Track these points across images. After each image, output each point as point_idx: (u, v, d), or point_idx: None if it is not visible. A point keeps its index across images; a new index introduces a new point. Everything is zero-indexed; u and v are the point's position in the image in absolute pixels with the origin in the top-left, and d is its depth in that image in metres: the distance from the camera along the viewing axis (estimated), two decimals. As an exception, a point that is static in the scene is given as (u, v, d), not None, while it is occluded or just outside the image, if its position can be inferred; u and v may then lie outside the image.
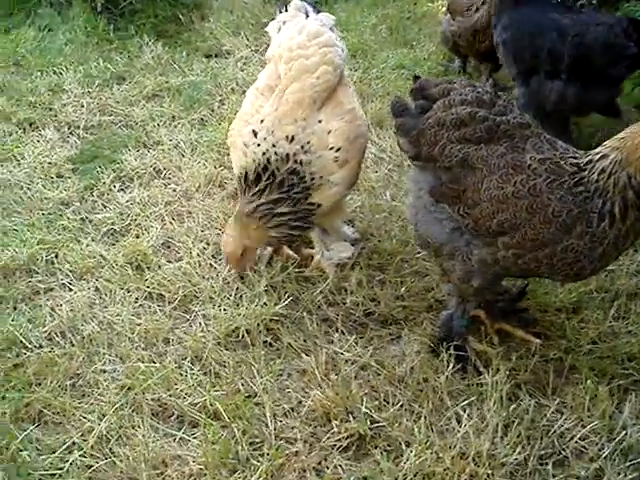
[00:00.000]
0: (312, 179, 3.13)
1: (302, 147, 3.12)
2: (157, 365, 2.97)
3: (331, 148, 3.16)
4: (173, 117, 4.83)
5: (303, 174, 3.12)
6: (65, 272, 3.49)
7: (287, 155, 3.10)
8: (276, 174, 3.09)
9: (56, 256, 3.59)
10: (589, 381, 2.83)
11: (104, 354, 3.04)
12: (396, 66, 5.44)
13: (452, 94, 2.81)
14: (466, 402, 2.80)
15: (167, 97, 5.07)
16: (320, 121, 3.17)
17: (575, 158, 2.67)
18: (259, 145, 3.14)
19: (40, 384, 2.91)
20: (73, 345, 3.09)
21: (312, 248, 3.58)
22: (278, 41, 3.34)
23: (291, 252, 3.56)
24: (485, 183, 2.71)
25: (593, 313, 3.22)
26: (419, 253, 3.50)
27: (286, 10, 3.52)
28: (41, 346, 3.09)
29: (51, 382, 2.90)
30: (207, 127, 4.69)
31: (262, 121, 3.18)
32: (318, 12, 3.56)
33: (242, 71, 5.41)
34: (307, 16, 3.44)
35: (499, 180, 2.69)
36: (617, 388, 2.88)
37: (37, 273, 3.50)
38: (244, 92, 4.92)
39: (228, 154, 3.52)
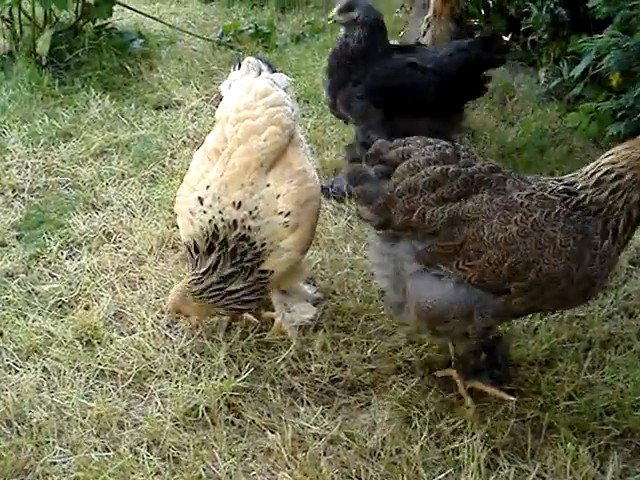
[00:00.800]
0: (263, 244, 2.98)
1: (250, 213, 2.97)
2: (111, 454, 2.76)
3: (280, 213, 3.00)
4: (122, 175, 4.62)
5: (253, 240, 2.97)
6: (10, 352, 3.26)
7: (234, 221, 2.95)
8: (227, 242, 2.94)
9: (0, 334, 3.36)
10: (569, 444, 2.70)
11: (54, 444, 2.82)
12: (350, 110, 5.31)
13: (413, 156, 2.69)
14: (443, 474, 2.65)
15: (116, 153, 4.86)
16: (268, 185, 3.03)
17: (567, 185, 2.62)
18: (205, 212, 2.99)
19: (-15, 482, 2.69)
20: (20, 435, 2.86)
21: (272, 310, 3.41)
22: (226, 101, 3.20)
23: (251, 316, 3.38)
24: (486, 229, 2.60)
25: (567, 365, 3.11)
26: (384, 310, 3.35)
27: (239, 67, 3.40)
28: (-15, 438, 2.86)
29: (-3, 479, 2.69)
30: (158, 184, 4.48)
31: (208, 187, 3.02)
32: (274, 71, 3.43)
33: (193, 122, 5.24)
34: (259, 74, 3.32)
35: (499, 222, 2.59)
36: (598, 447, 2.76)
37: (-20, 355, 3.27)
38: (196, 144, 4.77)
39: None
